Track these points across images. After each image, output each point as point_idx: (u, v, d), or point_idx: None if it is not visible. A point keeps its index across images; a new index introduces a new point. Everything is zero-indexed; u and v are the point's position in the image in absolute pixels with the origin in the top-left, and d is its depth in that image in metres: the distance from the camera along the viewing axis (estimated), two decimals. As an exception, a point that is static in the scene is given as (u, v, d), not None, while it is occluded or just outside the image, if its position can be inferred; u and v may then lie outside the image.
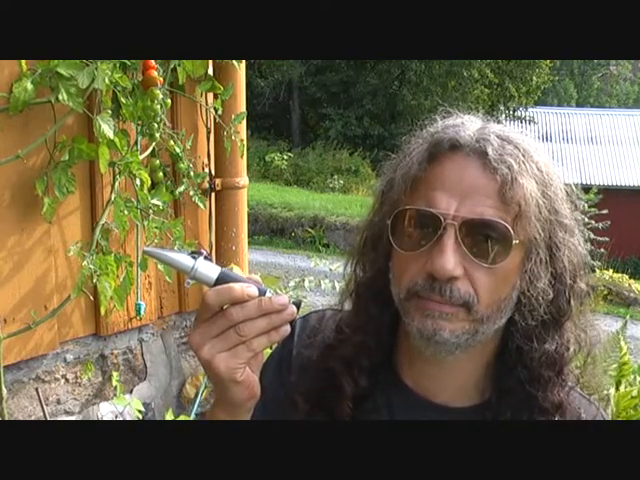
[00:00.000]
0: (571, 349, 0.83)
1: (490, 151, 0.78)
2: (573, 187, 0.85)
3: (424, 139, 0.84)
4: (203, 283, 0.74)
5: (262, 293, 0.73)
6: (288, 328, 0.74)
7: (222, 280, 0.73)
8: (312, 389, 0.88)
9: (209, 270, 0.73)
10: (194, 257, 0.73)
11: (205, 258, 0.74)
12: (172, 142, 2.07)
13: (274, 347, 0.98)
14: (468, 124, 0.83)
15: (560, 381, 0.83)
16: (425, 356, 0.83)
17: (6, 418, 1.67)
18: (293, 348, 0.94)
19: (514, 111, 21.85)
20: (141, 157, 1.88)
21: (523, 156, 0.79)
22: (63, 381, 1.98)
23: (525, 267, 0.80)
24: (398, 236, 0.82)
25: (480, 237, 0.77)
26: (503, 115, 20.88)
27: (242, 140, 2.29)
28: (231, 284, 0.72)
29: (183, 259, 0.73)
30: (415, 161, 0.82)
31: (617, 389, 2.62)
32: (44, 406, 1.85)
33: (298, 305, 0.75)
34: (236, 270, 0.79)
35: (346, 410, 0.86)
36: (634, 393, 2.55)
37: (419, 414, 0.86)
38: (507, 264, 0.78)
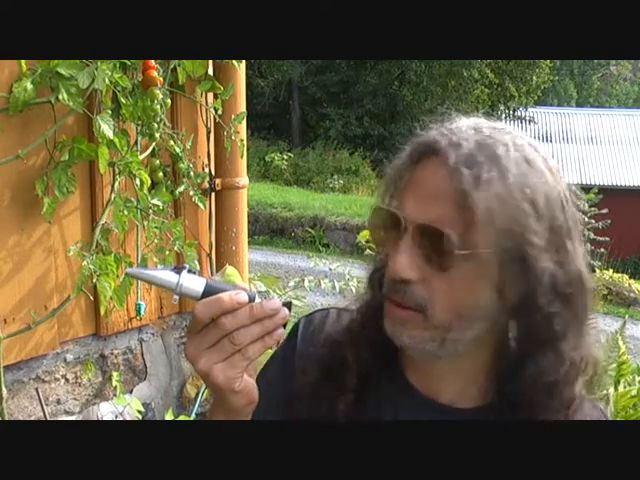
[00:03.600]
0: (562, 371, 0.80)
1: (452, 155, 0.76)
2: (561, 199, 0.80)
3: (411, 142, 0.85)
4: (190, 298, 0.72)
5: (251, 299, 0.72)
6: (282, 331, 0.74)
7: (208, 292, 0.72)
8: (321, 359, 0.89)
9: (194, 284, 0.72)
10: (177, 272, 0.72)
11: (189, 271, 0.72)
12: (172, 142, 2.07)
13: (279, 344, 0.98)
14: (455, 127, 0.81)
15: (553, 404, 0.81)
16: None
17: (6, 418, 1.67)
18: (297, 347, 0.94)
19: (514, 111, 21.85)
20: (141, 157, 1.88)
21: (490, 161, 0.76)
22: (63, 381, 1.98)
23: (485, 275, 0.77)
24: (375, 234, 0.84)
25: (429, 242, 0.77)
26: (503, 115, 20.88)
27: (242, 140, 2.29)
28: (220, 294, 0.71)
29: (167, 276, 0.72)
30: (400, 164, 0.84)
31: (616, 389, 2.63)
32: (44, 406, 1.85)
33: (289, 306, 0.74)
34: (231, 270, 0.78)
35: (350, 382, 0.86)
36: (633, 392, 2.56)
37: (424, 414, 0.86)
38: (463, 271, 0.76)
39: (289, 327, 0.93)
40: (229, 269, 0.77)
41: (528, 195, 0.76)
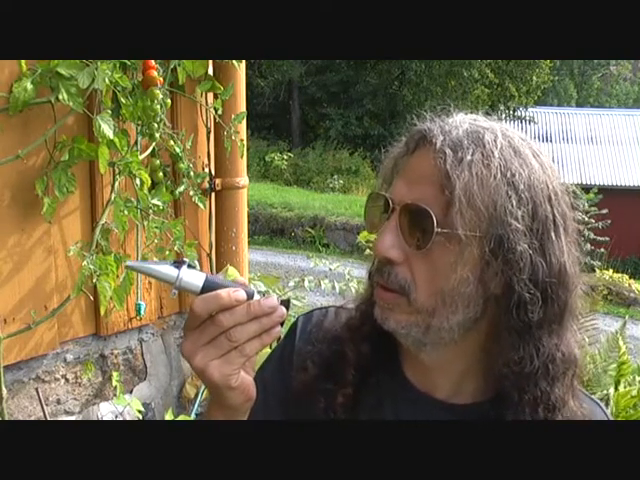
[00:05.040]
0: (536, 364, 0.80)
1: (439, 141, 0.78)
2: (549, 193, 0.80)
3: (407, 133, 0.87)
4: (189, 292, 0.72)
5: (250, 295, 0.72)
6: (279, 329, 0.74)
7: (208, 287, 0.72)
8: (321, 354, 0.90)
9: (194, 278, 0.72)
10: (177, 267, 0.72)
11: (188, 266, 0.72)
12: (172, 142, 2.07)
13: (277, 342, 0.98)
14: (451, 119, 0.83)
15: (523, 401, 0.81)
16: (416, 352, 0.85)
17: (6, 418, 1.67)
18: (295, 345, 0.95)
19: (514, 111, 21.85)
20: (141, 157, 1.88)
21: (475, 146, 0.78)
22: (63, 381, 1.98)
23: (464, 259, 0.78)
24: (368, 219, 0.86)
25: (412, 221, 0.79)
26: (503, 115, 20.88)
27: (242, 140, 2.29)
28: (218, 291, 0.71)
29: (166, 270, 0.71)
30: (395, 153, 0.86)
31: (616, 389, 2.63)
32: (44, 406, 1.85)
33: (287, 305, 0.74)
34: (232, 271, 0.78)
35: (349, 375, 0.87)
36: (633, 392, 2.56)
37: (421, 409, 0.87)
38: (443, 253, 0.77)
39: (288, 325, 0.94)
40: (230, 270, 0.78)
41: (509, 178, 0.77)
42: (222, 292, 0.71)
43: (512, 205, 0.76)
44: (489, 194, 0.76)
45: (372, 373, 0.89)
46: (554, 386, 0.81)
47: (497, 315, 0.81)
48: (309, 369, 0.90)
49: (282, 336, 0.97)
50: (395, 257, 0.79)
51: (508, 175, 0.77)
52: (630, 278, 10.76)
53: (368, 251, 2.89)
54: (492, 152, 0.78)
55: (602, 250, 11.66)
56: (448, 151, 0.77)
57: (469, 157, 0.77)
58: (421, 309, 0.80)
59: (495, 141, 0.79)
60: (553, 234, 0.79)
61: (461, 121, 0.82)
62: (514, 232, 0.76)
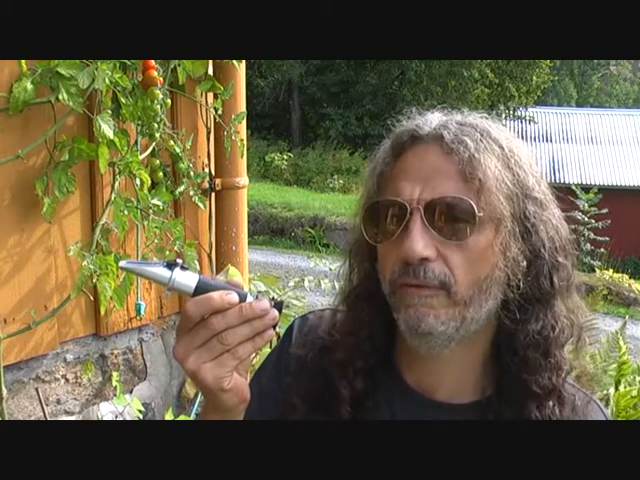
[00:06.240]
0: (557, 330, 0.83)
1: (446, 134, 0.80)
2: (538, 164, 0.86)
3: (389, 138, 0.87)
4: (182, 293, 0.72)
5: (243, 298, 0.72)
6: (272, 332, 0.74)
7: (201, 289, 0.72)
8: (309, 391, 0.89)
9: (187, 279, 0.72)
10: (170, 268, 0.72)
11: (182, 267, 0.72)
12: (172, 142, 2.07)
13: (273, 345, 0.98)
14: (430, 117, 0.86)
15: (549, 365, 0.82)
16: (422, 353, 0.84)
17: (6, 418, 1.67)
18: (291, 348, 0.94)
19: (514, 111, 21.85)
20: (141, 157, 1.88)
21: (481, 135, 0.81)
22: (63, 381, 1.98)
23: (496, 241, 0.80)
24: (370, 230, 0.84)
25: (445, 216, 0.78)
26: (503, 115, 20.87)
27: (242, 140, 2.29)
28: (210, 293, 0.71)
29: (159, 271, 0.72)
30: (380, 159, 0.86)
31: (616, 389, 2.63)
32: (44, 406, 1.85)
33: (280, 307, 0.74)
34: (233, 270, 0.78)
35: (345, 412, 0.86)
36: (634, 393, 2.56)
37: (419, 411, 0.87)
38: (478, 240, 0.79)
39: (286, 326, 0.94)
40: (232, 269, 0.78)
41: (518, 158, 0.82)
42: (214, 295, 0.71)
43: (530, 181, 0.81)
44: (513, 174, 0.80)
45: (369, 385, 0.88)
46: (555, 352, 0.83)
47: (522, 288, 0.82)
48: (298, 406, 0.88)
49: (280, 337, 0.97)
50: (431, 254, 0.78)
51: (517, 155, 0.82)
52: (630, 278, 10.75)
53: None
54: (498, 138, 0.82)
55: (602, 250, 11.65)
56: (464, 138, 0.79)
57: (484, 145, 0.79)
58: (459, 301, 0.79)
59: (491, 127, 0.83)
60: (552, 205, 0.84)
61: (440, 117, 0.85)
62: (537, 205, 0.81)
